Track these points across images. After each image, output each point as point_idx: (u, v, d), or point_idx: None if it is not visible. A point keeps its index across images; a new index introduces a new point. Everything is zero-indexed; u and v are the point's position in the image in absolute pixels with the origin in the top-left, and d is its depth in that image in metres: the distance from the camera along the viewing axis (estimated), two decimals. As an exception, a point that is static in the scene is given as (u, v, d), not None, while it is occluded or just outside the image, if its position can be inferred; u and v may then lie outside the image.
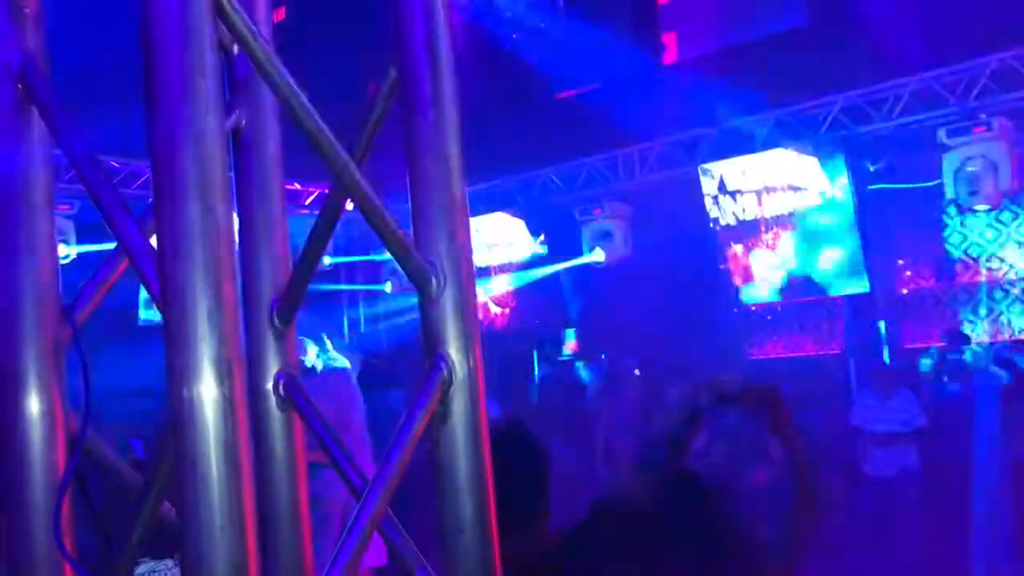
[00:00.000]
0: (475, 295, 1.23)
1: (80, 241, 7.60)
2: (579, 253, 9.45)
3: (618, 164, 9.00)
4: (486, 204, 9.72)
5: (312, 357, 6.53)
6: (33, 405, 1.14)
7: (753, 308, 9.05)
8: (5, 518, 1.12)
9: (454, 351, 1.20)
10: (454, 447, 1.20)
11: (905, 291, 8.49)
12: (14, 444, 1.13)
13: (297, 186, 9.78)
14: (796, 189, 8.32)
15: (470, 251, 1.22)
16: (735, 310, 9.09)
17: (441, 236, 1.19)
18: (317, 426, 1.29)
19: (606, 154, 8.99)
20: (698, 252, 8.86)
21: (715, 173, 8.57)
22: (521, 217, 10.00)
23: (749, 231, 8.56)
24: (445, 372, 1.19)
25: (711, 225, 8.70)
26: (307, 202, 9.94)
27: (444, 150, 1.18)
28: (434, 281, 1.18)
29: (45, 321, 1.16)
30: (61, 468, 1.14)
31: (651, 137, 8.60)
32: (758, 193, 8.49)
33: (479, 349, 1.23)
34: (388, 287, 10.36)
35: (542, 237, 9.94)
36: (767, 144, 8.17)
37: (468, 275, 1.21)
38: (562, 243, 9.75)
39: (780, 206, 8.43)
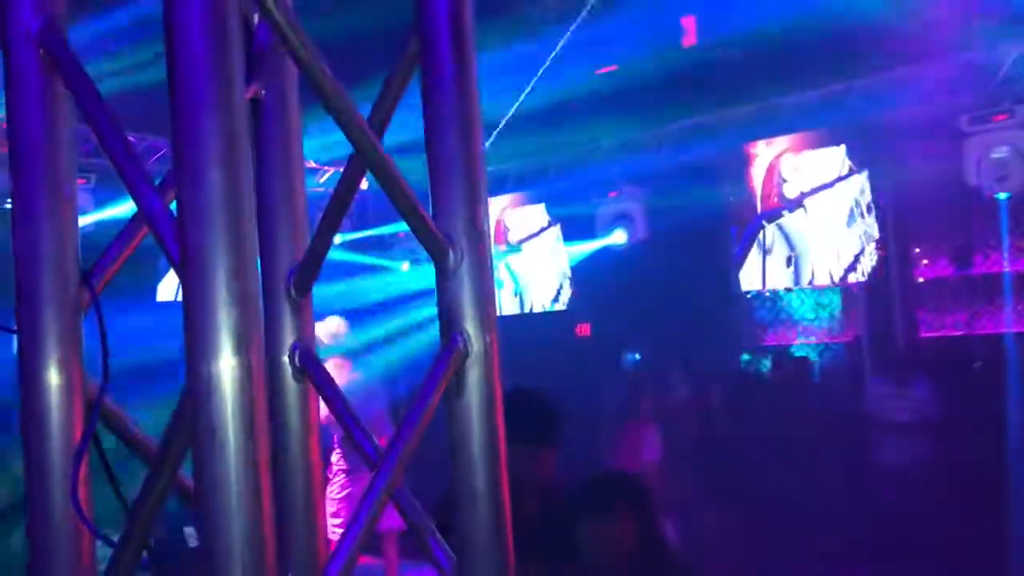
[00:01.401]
0: (492, 270, 1.23)
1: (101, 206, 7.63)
2: (593, 235, 9.44)
3: (635, 146, 8.95)
4: (499, 186, 9.70)
5: (343, 334, 6.44)
6: (52, 369, 1.15)
7: (767, 294, 9.02)
8: (25, 480, 1.13)
9: (470, 325, 1.20)
10: (469, 420, 1.20)
11: (922, 279, 8.44)
12: (33, 407, 1.14)
13: (313, 163, 9.79)
14: (814, 175, 8.27)
15: (488, 226, 1.22)
16: (748, 295, 9.06)
17: (459, 210, 1.19)
18: (332, 398, 1.30)
19: (620, 135, 8.95)
20: (713, 237, 8.83)
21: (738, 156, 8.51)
22: (537, 200, 9.98)
23: (767, 216, 8.52)
24: (461, 346, 1.19)
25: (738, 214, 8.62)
26: (322, 180, 9.94)
27: (465, 123, 1.17)
28: (451, 255, 1.18)
29: (65, 286, 1.17)
30: (79, 432, 1.15)
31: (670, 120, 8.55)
32: (777, 178, 8.44)
33: (495, 323, 1.23)
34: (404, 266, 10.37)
35: (558, 228, 9.92)
36: (785, 129, 8.10)
37: (485, 250, 1.21)
38: (576, 225, 9.73)
39: (794, 191, 8.38)
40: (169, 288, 9.43)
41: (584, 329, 10.14)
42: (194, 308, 0.99)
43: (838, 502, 6.90)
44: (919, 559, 5.97)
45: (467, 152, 1.18)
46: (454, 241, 1.18)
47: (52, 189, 1.14)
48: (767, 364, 8.78)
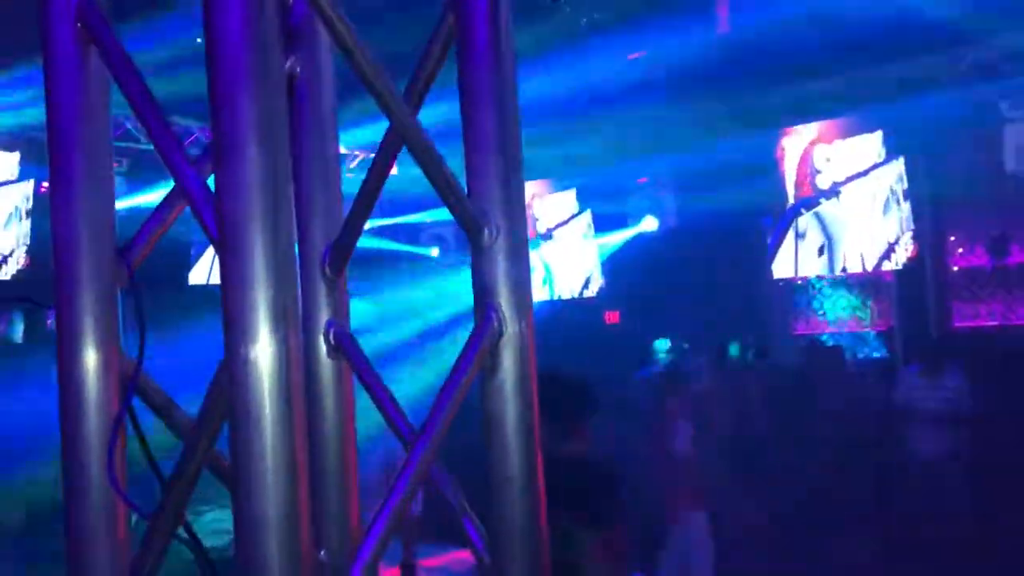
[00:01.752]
0: (527, 246, 1.22)
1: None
2: (624, 222, 9.39)
3: (666, 133, 8.87)
4: (527, 173, 9.67)
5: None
6: (89, 346, 1.16)
7: (799, 282, 8.93)
8: (62, 453, 1.14)
9: (505, 303, 1.18)
10: (503, 401, 1.19)
11: (956, 268, 8.31)
12: (71, 382, 1.15)
13: (343, 149, 9.79)
14: (849, 162, 8.16)
15: (524, 202, 1.20)
16: (780, 284, 8.97)
17: (495, 186, 1.17)
18: (367, 377, 1.29)
19: (650, 122, 8.87)
20: (744, 225, 8.74)
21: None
22: (567, 187, 9.95)
23: (805, 204, 8.43)
24: (496, 324, 1.18)
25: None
26: (352, 165, 9.96)
27: (501, 99, 1.16)
28: (487, 231, 1.16)
29: (101, 263, 1.17)
30: (115, 407, 1.16)
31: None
32: (811, 166, 8.34)
33: (530, 303, 1.22)
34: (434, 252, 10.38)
35: (588, 215, 9.87)
36: (820, 116, 8.00)
37: (521, 226, 1.19)
38: (606, 212, 9.69)
39: (829, 178, 8.27)
40: (200, 273, 9.53)
41: (613, 316, 10.10)
42: (232, 285, 0.98)
43: (870, 492, 6.83)
44: (949, 550, 5.90)
45: (503, 127, 1.16)
46: (489, 217, 1.16)
47: (89, 164, 1.14)
48: (799, 353, 8.70)
